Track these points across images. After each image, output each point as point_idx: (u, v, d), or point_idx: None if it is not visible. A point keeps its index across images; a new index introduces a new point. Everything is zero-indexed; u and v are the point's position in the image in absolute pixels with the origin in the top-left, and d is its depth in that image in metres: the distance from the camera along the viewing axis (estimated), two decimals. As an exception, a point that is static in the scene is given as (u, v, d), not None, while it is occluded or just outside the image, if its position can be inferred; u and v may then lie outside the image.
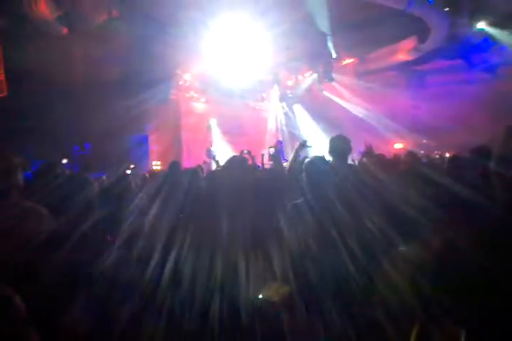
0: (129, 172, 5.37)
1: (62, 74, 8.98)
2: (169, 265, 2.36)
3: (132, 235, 2.87)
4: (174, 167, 4.90)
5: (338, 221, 2.45)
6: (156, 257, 2.70)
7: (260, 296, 2.36)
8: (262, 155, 7.56)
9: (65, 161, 6.49)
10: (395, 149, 13.65)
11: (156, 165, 12.64)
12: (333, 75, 15.17)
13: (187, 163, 11.29)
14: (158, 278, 2.29)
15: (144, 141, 12.61)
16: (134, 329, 1.99)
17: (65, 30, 9.48)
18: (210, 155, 10.49)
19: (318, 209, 2.59)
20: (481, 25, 11.84)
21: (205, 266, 2.31)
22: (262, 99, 16.95)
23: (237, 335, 2.18)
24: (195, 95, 15.87)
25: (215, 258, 2.31)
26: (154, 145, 13.65)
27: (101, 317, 1.95)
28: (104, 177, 4.48)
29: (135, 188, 3.92)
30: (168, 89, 13.52)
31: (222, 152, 13.69)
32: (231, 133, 15.94)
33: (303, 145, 4.55)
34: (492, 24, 11.85)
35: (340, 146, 3.60)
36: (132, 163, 6.47)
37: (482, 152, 3.19)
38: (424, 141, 13.10)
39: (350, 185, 2.83)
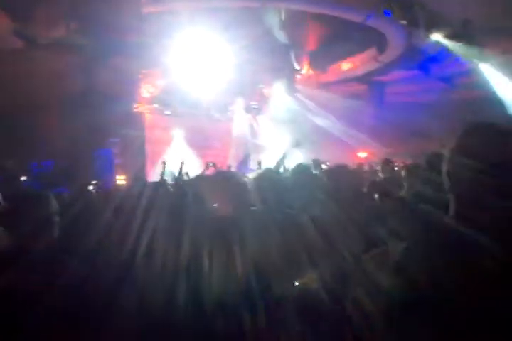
0: (91, 187, 5.27)
1: (22, 87, 8.78)
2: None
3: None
4: (138, 181, 4.87)
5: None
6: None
7: (296, 283, 2.32)
8: (229, 167, 7.59)
9: (23, 178, 6.30)
10: (359, 158, 13.95)
11: (120, 180, 12.42)
12: (297, 86, 15.39)
13: (151, 177, 11.14)
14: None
15: (107, 154, 12.38)
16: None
17: (20, 44, 9.29)
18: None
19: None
20: (436, 37, 12.33)
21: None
22: (227, 111, 16.97)
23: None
24: (159, 108, 15.72)
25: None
26: (118, 159, 13.42)
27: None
28: (65, 193, 4.39)
29: (98, 204, 3.86)
30: (132, 102, 13.36)
31: (188, 164, 13.59)
32: (196, 145, 15.85)
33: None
34: (446, 36, 12.37)
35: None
36: (96, 178, 6.35)
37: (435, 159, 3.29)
38: (387, 150, 13.44)
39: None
